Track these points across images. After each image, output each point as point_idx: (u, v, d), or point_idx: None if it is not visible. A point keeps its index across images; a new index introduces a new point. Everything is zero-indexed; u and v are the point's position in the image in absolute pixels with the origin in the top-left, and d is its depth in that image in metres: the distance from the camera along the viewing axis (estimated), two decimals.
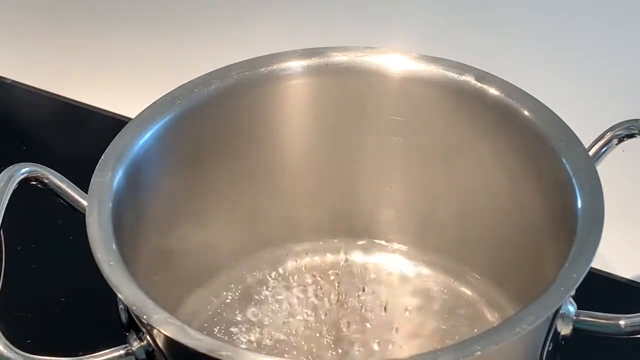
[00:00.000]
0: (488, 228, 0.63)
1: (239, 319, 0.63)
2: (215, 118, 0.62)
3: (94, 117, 0.82)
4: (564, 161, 0.56)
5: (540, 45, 0.89)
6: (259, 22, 0.92)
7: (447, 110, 0.62)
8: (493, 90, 0.60)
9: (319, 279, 0.65)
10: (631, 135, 0.60)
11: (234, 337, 0.61)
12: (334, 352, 0.61)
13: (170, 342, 0.49)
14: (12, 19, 0.95)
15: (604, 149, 0.60)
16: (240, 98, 0.62)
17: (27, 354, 0.50)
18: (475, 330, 0.61)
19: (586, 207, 0.53)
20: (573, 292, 0.51)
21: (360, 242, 0.67)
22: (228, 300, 0.64)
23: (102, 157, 0.57)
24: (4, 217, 0.54)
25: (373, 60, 0.63)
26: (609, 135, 0.60)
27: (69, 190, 0.58)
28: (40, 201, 0.59)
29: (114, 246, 0.52)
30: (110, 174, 0.56)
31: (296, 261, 0.66)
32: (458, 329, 0.62)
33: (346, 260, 0.66)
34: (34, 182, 0.57)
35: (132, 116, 0.60)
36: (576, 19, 0.90)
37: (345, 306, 0.63)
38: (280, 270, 0.65)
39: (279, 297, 0.64)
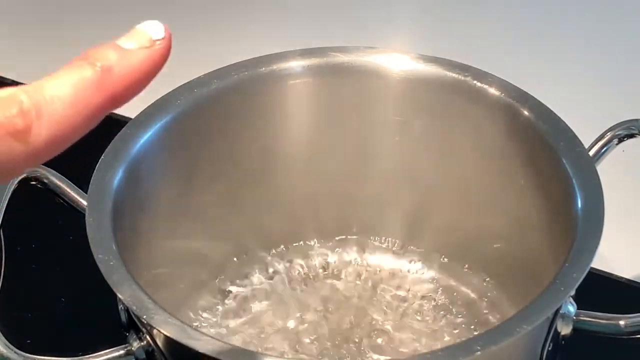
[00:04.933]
0: (488, 228, 0.63)
1: (240, 319, 0.63)
2: (216, 118, 0.62)
3: None
4: (564, 161, 0.56)
5: (540, 45, 0.89)
6: (259, 22, 0.92)
7: (447, 110, 0.62)
8: (493, 90, 0.60)
9: (319, 278, 0.65)
10: (631, 135, 0.60)
11: (234, 338, 0.61)
12: (331, 353, 0.61)
13: (170, 342, 0.49)
14: (13, 19, 0.95)
15: (604, 149, 0.60)
16: (240, 98, 0.62)
17: (27, 354, 0.50)
18: (475, 330, 0.61)
19: (586, 207, 0.53)
20: (573, 292, 0.51)
21: (360, 242, 0.67)
22: (229, 300, 0.64)
23: (102, 157, 0.57)
24: (4, 217, 0.54)
25: (373, 60, 0.63)
26: (609, 135, 0.60)
27: (69, 190, 0.58)
28: (40, 201, 0.59)
29: (114, 246, 0.52)
30: (110, 174, 0.56)
31: (297, 261, 0.66)
32: (458, 329, 0.62)
33: (346, 259, 0.66)
34: (34, 182, 0.57)
35: (132, 116, 0.60)
36: (576, 18, 0.91)
37: (345, 306, 0.63)
38: (282, 269, 0.65)
39: (281, 296, 0.64)
